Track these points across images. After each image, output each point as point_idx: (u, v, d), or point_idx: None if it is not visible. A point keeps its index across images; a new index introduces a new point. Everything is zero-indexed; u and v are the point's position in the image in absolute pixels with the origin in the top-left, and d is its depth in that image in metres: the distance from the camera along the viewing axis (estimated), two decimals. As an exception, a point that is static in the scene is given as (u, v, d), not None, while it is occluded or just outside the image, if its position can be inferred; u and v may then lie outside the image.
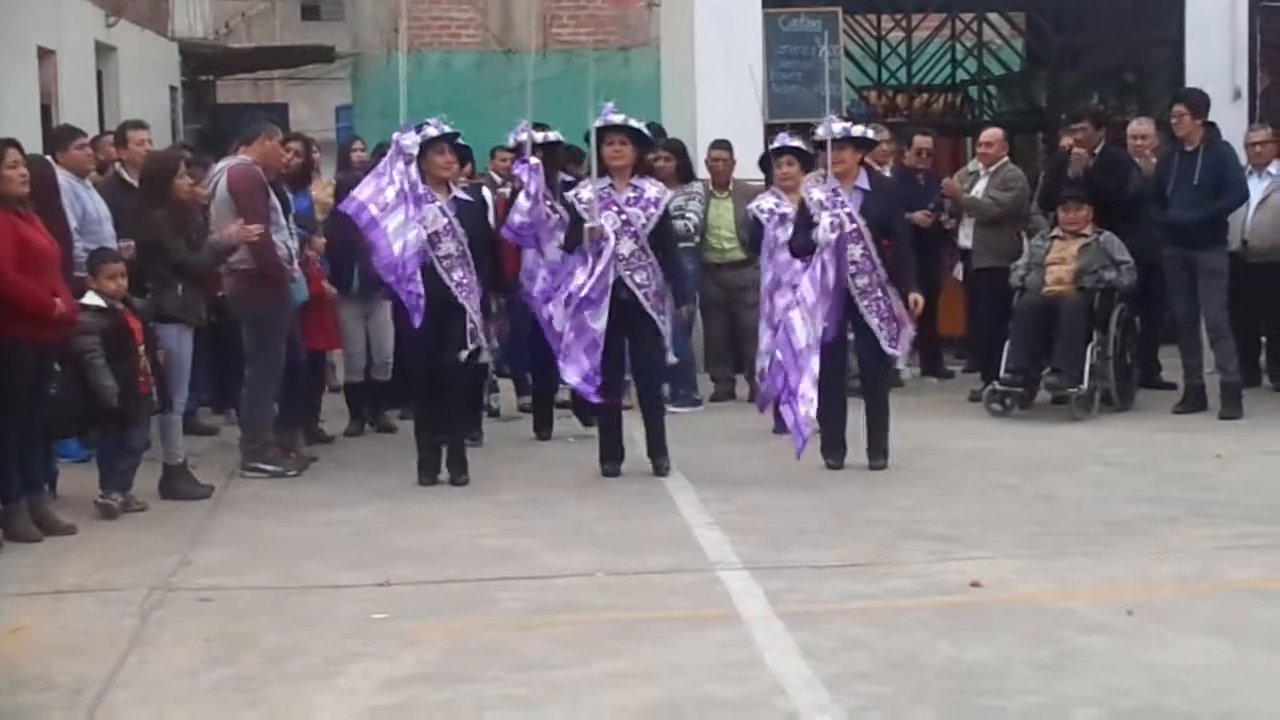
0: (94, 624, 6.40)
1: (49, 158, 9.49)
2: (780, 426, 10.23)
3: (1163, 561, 7.13)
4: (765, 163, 11.04)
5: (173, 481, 8.85)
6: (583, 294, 8.94)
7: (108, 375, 8.11)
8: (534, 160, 9.41)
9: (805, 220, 9.19)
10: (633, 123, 9.24)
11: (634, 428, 9.45)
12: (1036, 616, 6.27)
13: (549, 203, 9.59)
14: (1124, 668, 5.58)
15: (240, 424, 9.75)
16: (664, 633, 6.13)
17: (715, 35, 13.78)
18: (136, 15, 18.27)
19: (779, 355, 9.01)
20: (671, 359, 9.69)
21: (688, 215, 11.66)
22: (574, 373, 9.06)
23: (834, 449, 9.31)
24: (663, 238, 9.30)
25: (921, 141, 13.30)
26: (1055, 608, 6.40)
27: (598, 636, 6.09)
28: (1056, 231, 11.33)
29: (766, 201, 10.42)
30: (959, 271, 12.74)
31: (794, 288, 9.68)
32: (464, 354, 9.05)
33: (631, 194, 9.18)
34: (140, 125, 10.80)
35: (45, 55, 14.41)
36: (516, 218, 9.59)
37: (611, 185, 9.17)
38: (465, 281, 9.04)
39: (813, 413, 8.79)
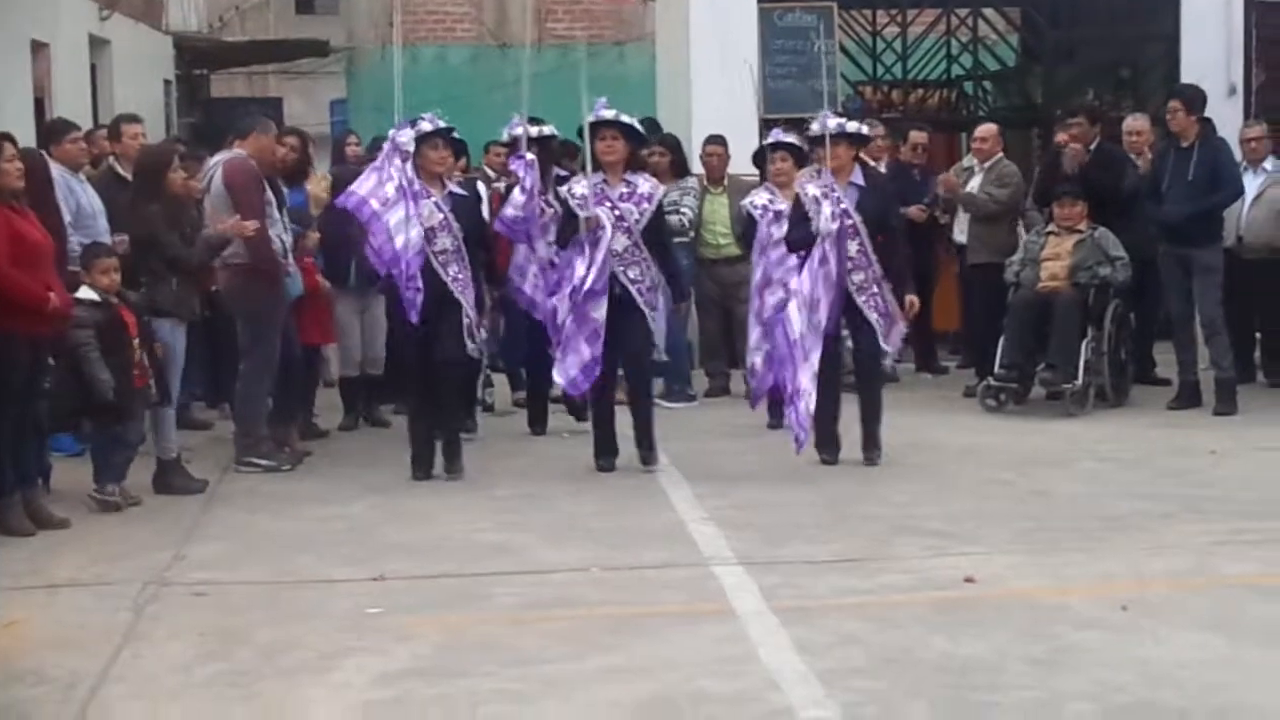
0: (88, 618, 6.39)
1: (43, 151, 9.48)
2: (775, 422, 10.26)
3: (1157, 557, 7.14)
4: (759, 158, 11.04)
5: (167, 476, 8.84)
6: (586, 286, 8.93)
7: (103, 369, 8.10)
8: (530, 156, 9.41)
9: (801, 215, 9.19)
10: (625, 118, 9.23)
11: (628, 424, 9.44)
12: (1031, 612, 6.27)
13: (543, 198, 9.60)
14: (1118, 663, 5.59)
15: (234, 419, 9.74)
16: (658, 628, 6.13)
17: (710, 30, 13.77)
18: (130, 9, 18.22)
19: (781, 349, 9.02)
20: (660, 356, 9.69)
21: (682, 210, 11.65)
22: (573, 364, 9.02)
23: (828, 444, 9.31)
24: (657, 233, 9.31)
25: (917, 137, 13.30)
26: (1050, 603, 6.41)
27: (592, 631, 6.09)
28: (1051, 227, 11.33)
29: (760, 197, 10.41)
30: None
31: (785, 285, 9.71)
32: (472, 348, 9.08)
33: (625, 189, 9.19)
34: (134, 119, 10.77)
35: (39, 49, 14.37)
36: (510, 211, 9.59)
37: (605, 181, 9.17)
38: (461, 277, 9.04)
39: (811, 406, 8.80)
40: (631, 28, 20.95)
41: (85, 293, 8.26)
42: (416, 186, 8.88)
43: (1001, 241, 11.81)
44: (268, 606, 6.54)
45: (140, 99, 16.85)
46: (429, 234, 8.91)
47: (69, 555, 7.43)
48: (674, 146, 12.06)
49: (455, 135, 9.35)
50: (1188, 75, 13.27)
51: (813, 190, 9.14)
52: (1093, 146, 11.60)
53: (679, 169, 11.98)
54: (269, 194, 9.38)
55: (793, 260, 9.63)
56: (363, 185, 8.87)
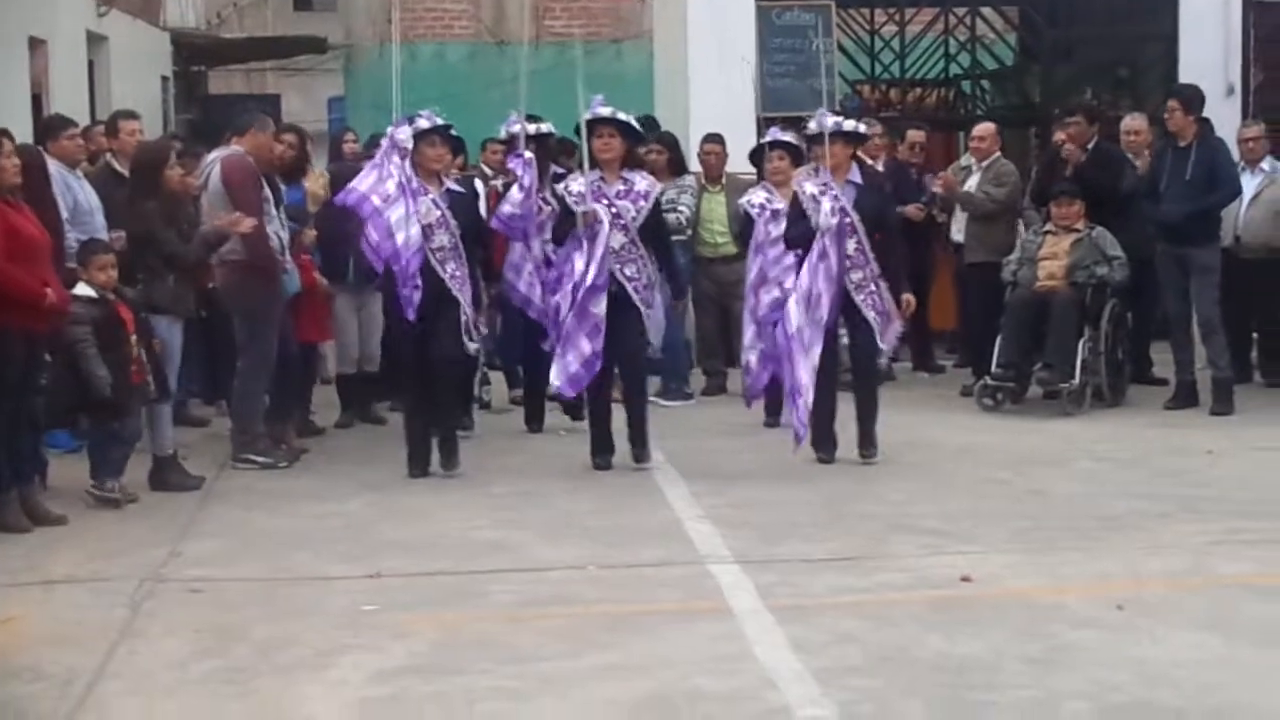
0: (84, 615, 6.39)
1: (40, 147, 9.47)
2: (772, 421, 10.26)
3: (1154, 556, 7.14)
4: (756, 157, 11.04)
5: (163, 473, 8.83)
6: (588, 281, 8.92)
7: (100, 365, 8.09)
8: (528, 155, 9.41)
9: (799, 213, 9.19)
10: (621, 115, 9.23)
11: (625, 421, 9.43)
12: (1027, 611, 6.27)
13: (540, 196, 9.60)
14: (1115, 663, 5.59)
15: (231, 415, 9.74)
16: (655, 626, 6.13)
17: (709, 28, 13.77)
18: (128, 5, 18.21)
19: (780, 343, 9.02)
20: (655, 353, 9.69)
21: (679, 209, 11.65)
22: (574, 360, 9.00)
23: (824, 443, 9.30)
24: (654, 231, 9.30)
25: (914, 136, 13.31)
26: (1046, 602, 6.41)
27: (589, 629, 6.09)
28: (1049, 226, 11.33)
29: (757, 196, 10.40)
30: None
31: (780, 284, 9.73)
32: (472, 347, 9.09)
33: (622, 187, 9.19)
34: (132, 115, 10.78)
35: (36, 45, 14.36)
36: (508, 209, 9.58)
37: (602, 178, 9.16)
38: (458, 274, 9.03)
39: (809, 400, 8.81)
40: (629, 25, 20.92)
41: (82, 289, 8.25)
42: (415, 184, 8.88)
43: (999, 241, 11.81)
44: (264, 603, 6.54)
45: (138, 95, 16.83)
46: (426, 231, 8.90)
47: (65, 552, 7.43)
48: (672, 144, 12.05)
49: (453, 132, 9.35)
50: (1186, 75, 13.28)
51: (810, 188, 9.15)
52: (1090, 146, 11.61)
53: (677, 167, 11.98)
54: (266, 191, 9.38)
55: (789, 259, 9.64)
56: (363, 182, 8.87)
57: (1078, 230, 11.16)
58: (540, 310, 9.72)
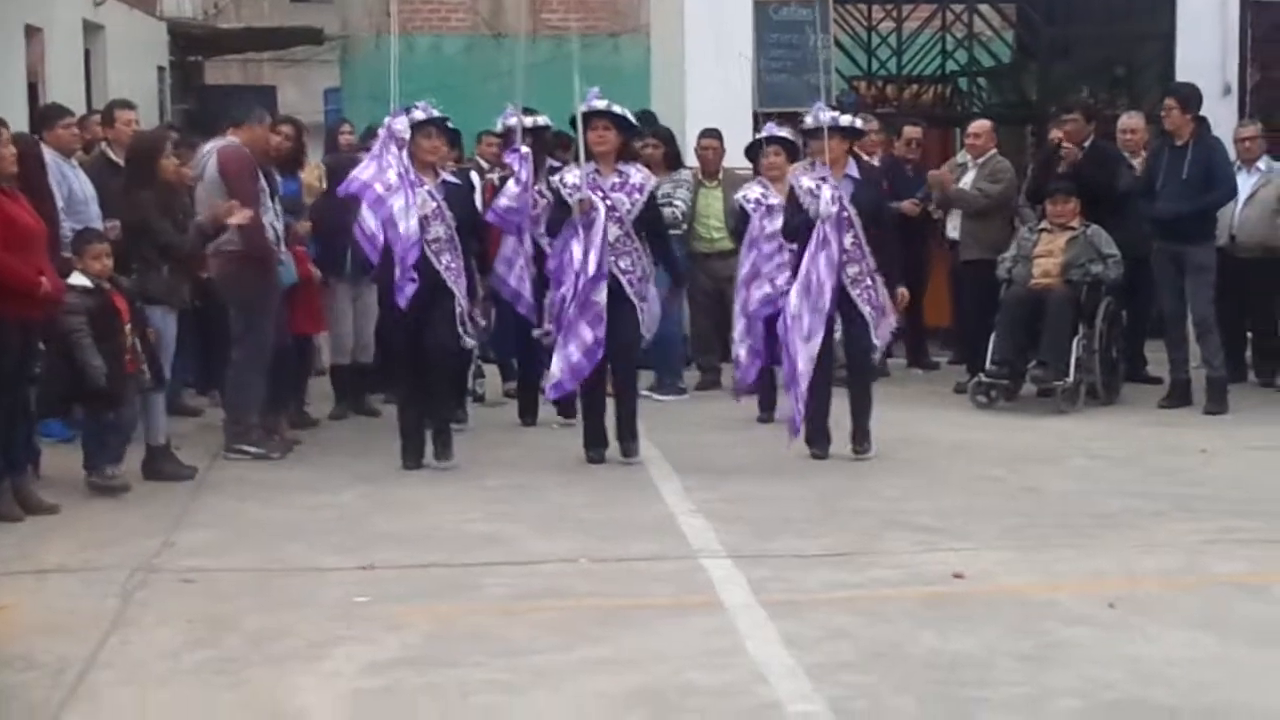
0: (77, 604, 6.39)
1: (36, 136, 9.45)
2: (765, 416, 10.28)
3: (1147, 555, 7.14)
4: (752, 152, 11.04)
5: (156, 462, 8.82)
6: (590, 271, 8.90)
7: (95, 354, 8.08)
8: (524, 149, 9.40)
9: (796, 207, 9.20)
10: (616, 109, 9.23)
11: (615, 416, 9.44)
12: (1020, 608, 6.27)
13: (535, 189, 9.60)
14: (1107, 660, 5.59)
15: (225, 406, 9.73)
16: (647, 620, 6.13)
17: (706, 23, 13.76)
18: (125, -6, 18.20)
19: (779, 331, 9.02)
20: (645, 342, 9.69)
21: (675, 203, 11.64)
22: (575, 349, 8.96)
23: (818, 438, 9.30)
24: (650, 224, 9.30)
25: (911, 132, 13.30)
26: (1039, 599, 6.41)
27: (581, 623, 6.09)
28: (1044, 224, 11.33)
29: (753, 191, 10.40)
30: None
31: (772, 280, 9.74)
32: (469, 342, 9.09)
33: (617, 179, 9.18)
34: (128, 105, 10.75)
35: (33, 33, 14.34)
36: (504, 202, 9.59)
37: (597, 170, 9.16)
38: (453, 266, 9.02)
39: (803, 390, 8.81)
40: (626, 19, 20.91)
41: (77, 278, 8.25)
42: (411, 175, 8.87)
43: (994, 238, 11.81)
44: (257, 594, 6.53)
45: (134, 85, 16.83)
46: (422, 222, 8.89)
47: (58, 541, 7.42)
48: (668, 139, 12.04)
49: (449, 124, 9.34)
50: (1183, 74, 13.27)
51: (807, 182, 9.15)
52: (1087, 144, 11.60)
53: (673, 161, 11.97)
54: (262, 182, 9.37)
55: (782, 256, 9.66)
56: (364, 171, 8.86)
57: (1073, 228, 11.16)
58: (530, 306, 9.73)
